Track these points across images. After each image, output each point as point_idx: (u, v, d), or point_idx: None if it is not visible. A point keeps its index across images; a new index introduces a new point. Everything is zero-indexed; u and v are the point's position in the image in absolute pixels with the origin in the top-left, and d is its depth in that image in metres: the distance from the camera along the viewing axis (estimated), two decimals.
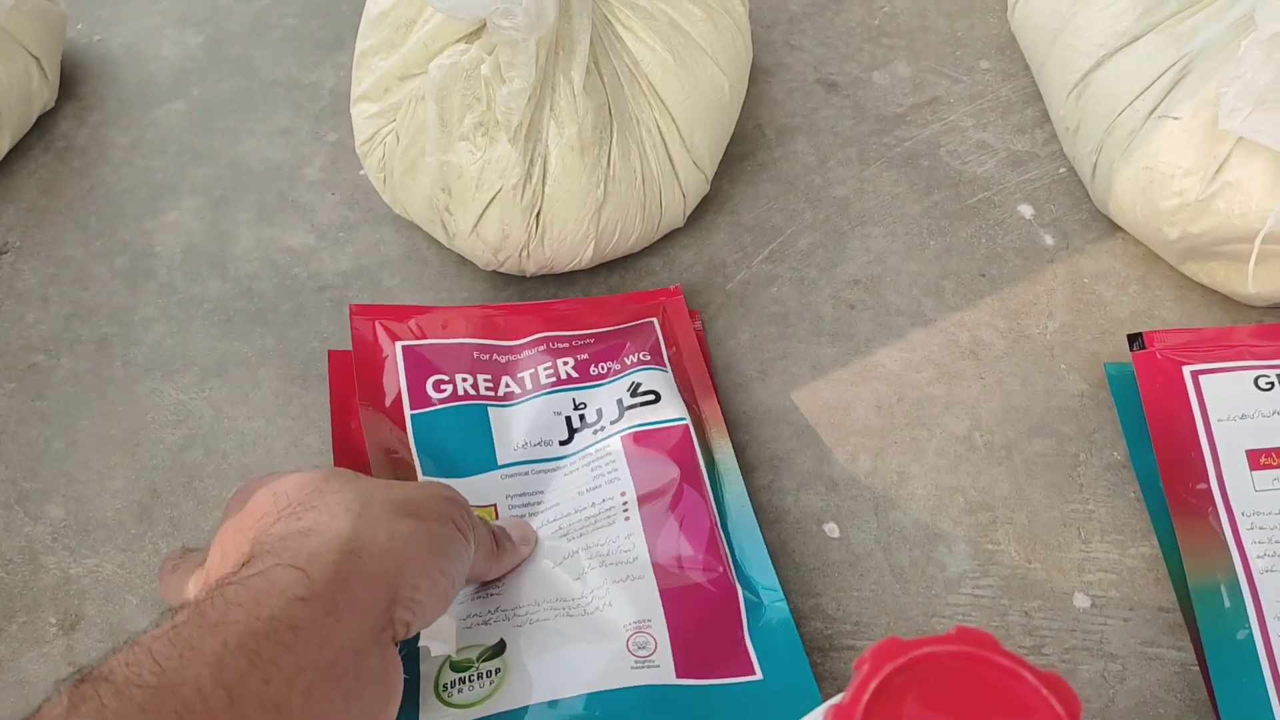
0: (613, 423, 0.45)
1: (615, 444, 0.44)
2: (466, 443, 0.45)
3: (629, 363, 0.47)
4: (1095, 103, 0.49)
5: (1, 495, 0.47)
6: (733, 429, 0.47)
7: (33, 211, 0.55)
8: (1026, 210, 0.53)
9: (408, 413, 0.45)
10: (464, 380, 0.46)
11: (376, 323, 0.47)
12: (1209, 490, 0.42)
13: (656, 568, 0.41)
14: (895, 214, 0.53)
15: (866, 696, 0.22)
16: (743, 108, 0.54)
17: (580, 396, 0.46)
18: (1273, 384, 0.44)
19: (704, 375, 0.47)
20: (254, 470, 0.47)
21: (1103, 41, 0.49)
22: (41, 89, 0.57)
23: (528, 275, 0.51)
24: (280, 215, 0.55)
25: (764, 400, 0.48)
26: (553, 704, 0.38)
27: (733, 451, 0.45)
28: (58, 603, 0.44)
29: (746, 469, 0.46)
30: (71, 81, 0.60)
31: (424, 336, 0.47)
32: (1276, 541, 0.40)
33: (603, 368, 0.47)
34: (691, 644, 0.39)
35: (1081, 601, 0.42)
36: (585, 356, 0.47)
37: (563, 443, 0.45)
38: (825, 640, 0.42)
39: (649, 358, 0.47)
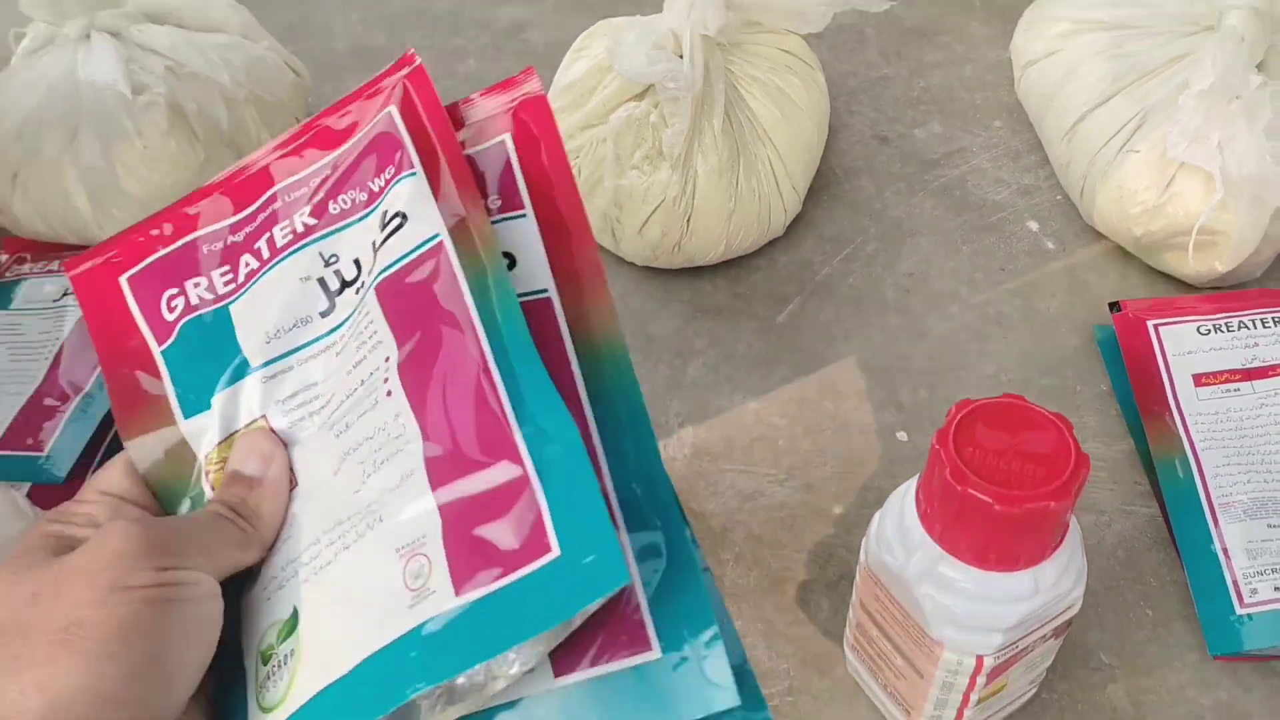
0: (369, 273, 0.35)
1: (370, 301, 0.34)
2: (213, 354, 0.36)
3: (375, 186, 0.36)
4: (1081, 144, 0.69)
5: None
6: (828, 373, 0.65)
7: None
8: (1033, 225, 0.73)
9: (156, 352, 0.37)
10: (196, 286, 0.37)
11: (88, 264, 0.38)
12: (1166, 402, 0.60)
13: (427, 451, 0.32)
14: (936, 229, 0.73)
15: (955, 423, 0.40)
16: (820, 155, 0.74)
17: (325, 247, 0.36)
18: (1210, 330, 0.62)
19: (461, 159, 0.35)
20: None
21: (1085, 101, 0.69)
22: None
23: (673, 268, 0.70)
24: None
25: (846, 353, 0.66)
26: (335, 686, 0.30)
27: (527, 232, 0.35)
28: None
29: (838, 399, 0.64)
30: None
31: (144, 257, 0.38)
32: (1213, 431, 0.58)
33: (345, 200, 0.36)
34: (469, 546, 0.31)
35: None
36: (321, 196, 0.36)
37: (324, 314, 0.36)
38: None
39: (393, 169, 0.35)
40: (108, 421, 0.58)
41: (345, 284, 0.36)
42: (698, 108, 0.64)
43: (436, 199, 0.34)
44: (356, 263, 0.35)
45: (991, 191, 0.75)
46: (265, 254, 0.36)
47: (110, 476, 0.35)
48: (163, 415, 0.36)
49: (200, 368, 0.36)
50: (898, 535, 0.43)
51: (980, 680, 0.44)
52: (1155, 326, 0.63)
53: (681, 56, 0.63)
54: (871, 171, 0.77)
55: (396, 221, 0.34)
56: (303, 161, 0.38)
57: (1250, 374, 0.60)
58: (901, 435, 0.62)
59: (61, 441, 0.56)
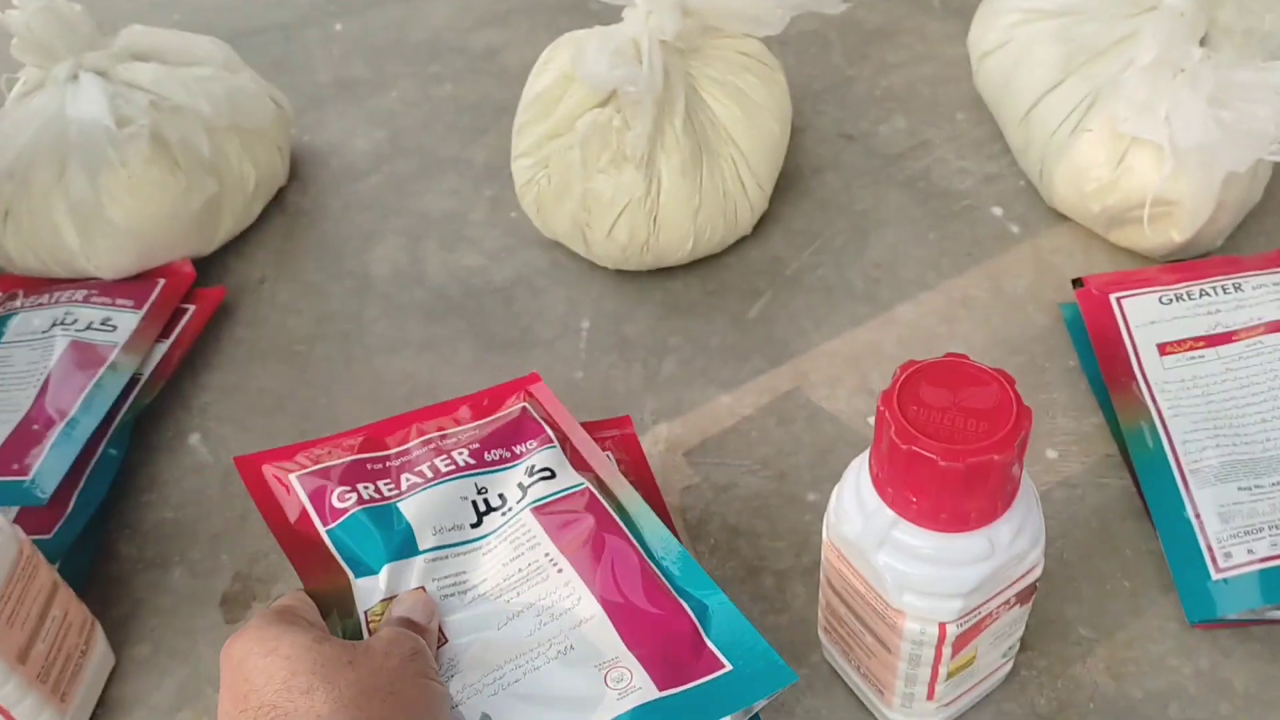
0: (518, 502, 0.48)
1: (526, 517, 0.47)
2: (387, 536, 0.47)
3: (520, 451, 0.51)
4: (1037, 128, 0.70)
5: (288, 434, 0.66)
6: (799, 363, 0.66)
7: (279, 254, 0.77)
8: (997, 210, 0.74)
9: (322, 529, 0.49)
10: (365, 488, 0.49)
11: (263, 467, 0.52)
12: (1132, 372, 0.61)
13: (605, 604, 0.44)
14: (903, 218, 0.74)
15: (899, 383, 0.41)
16: (787, 154, 0.76)
17: (481, 482, 0.49)
18: (1172, 300, 0.62)
19: (589, 443, 0.52)
20: None
21: (1037, 87, 0.70)
22: (281, 169, 0.79)
23: (644, 270, 0.71)
24: (458, 246, 0.76)
25: (818, 343, 0.67)
26: None
27: (638, 494, 0.49)
28: None
29: (810, 388, 0.65)
30: (296, 166, 0.83)
31: (313, 464, 0.51)
32: (1180, 398, 0.58)
33: (495, 454, 0.50)
34: (661, 661, 0.43)
35: (1051, 454, 0.60)
36: (477, 446, 0.51)
37: (473, 525, 0.48)
38: None
39: (536, 442, 0.51)
40: (92, 443, 0.60)
41: (491, 509, 0.49)
42: (659, 110, 0.66)
43: (572, 464, 0.50)
44: (502, 496, 0.49)
45: (955, 181, 0.76)
46: (429, 474, 0.50)
47: (301, 598, 0.45)
48: (334, 572, 0.48)
49: (368, 543, 0.47)
50: (855, 503, 0.44)
51: (946, 651, 0.44)
52: (1118, 299, 0.63)
53: (641, 62, 0.65)
54: (837, 168, 0.78)
55: (545, 473, 0.49)
56: (451, 421, 0.54)
57: (1214, 340, 0.60)
58: (873, 420, 0.63)
59: (46, 465, 0.58)
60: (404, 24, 0.95)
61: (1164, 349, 0.61)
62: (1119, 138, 0.64)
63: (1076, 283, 0.65)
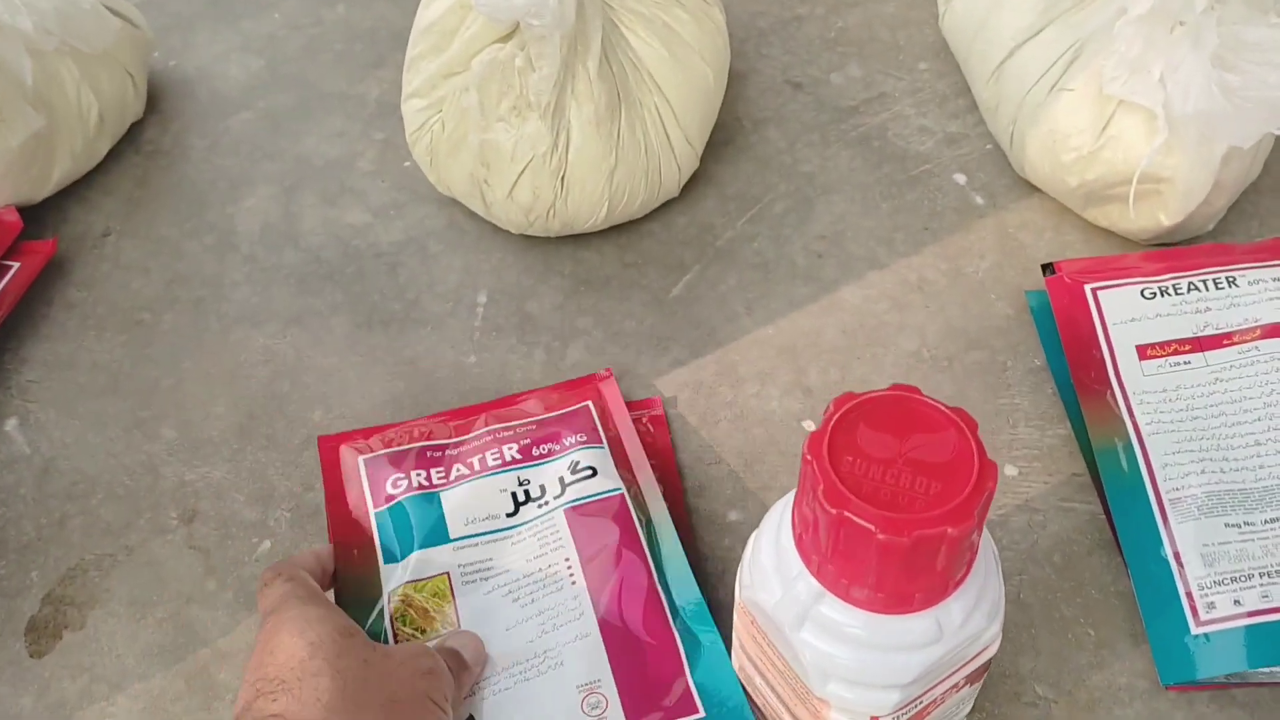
0: (555, 497, 0.49)
1: (559, 516, 0.49)
2: (422, 524, 0.49)
3: (568, 443, 0.51)
4: (1010, 84, 0.61)
5: (122, 422, 0.56)
6: (727, 353, 0.57)
7: (129, 201, 0.66)
8: (960, 178, 0.64)
9: (371, 513, 0.50)
10: (418, 475, 0.51)
11: (341, 446, 0.53)
12: (1107, 377, 0.52)
13: (602, 625, 0.45)
14: (853, 184, 0.65)
15: (831, 424, 0.32)
16: (723, 104, 0.66)
17: (525, 474, 0.51)
18: (1155, 294, 0.54)
19: (638, 448, 0.52)
20: (331, 398, 0.56)
21: (1012, 35, 0.60)
22: (134, 101, 0.68)
23: (552, 236, 0.61)
24: (340, 199, 0.65)
25: (749, 329, 0.58)
26: None
27: (668, 512, 0.49)
28: (176, 501, 0.53)
29: (737, 384, 0.56)
30: (155, 97, 0.71)
31: (383, 448, 0.53)
32: (1161, 412, 0.51)
33: (544, 449, 0.52)
34: (639, 694, 0.43)
35: (1011, 471, 0.52)
36: (528, 441, 0.52)
37: (509, 515, 0.50)
38: None
39: (585, 438, 0.52)
40: None
41: (530, 499, 0.50)
42: (570, 48, 0.55)
43: (615, 466, 0.51)
44: (542, 488, 0.50)
45: (915, 141, 0.66)
46: (477, 467, 0.51)
47: (322, 554, 0.47)
48: (368, 554, 0.49)
49: (404, 528, 0.49)
50: (773, 563, 0.35)
51: None
52: (1094, 290, 0.55)
53: None
54: (781, 121, 0.68)
55: (587, 472, 0.50)
56: (516, 411, 0.54)
57: (1201, 343, 0.52)
58: (808, 425, 0.54)
59: None
60: None
61: (1144, 351, 0.53)
62: (1104, 100, 0.55)
63: (1047, 268, 0.57)
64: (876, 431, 0.32)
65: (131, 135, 0.69)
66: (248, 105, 0.71)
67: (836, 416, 0.32)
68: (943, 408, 0.33)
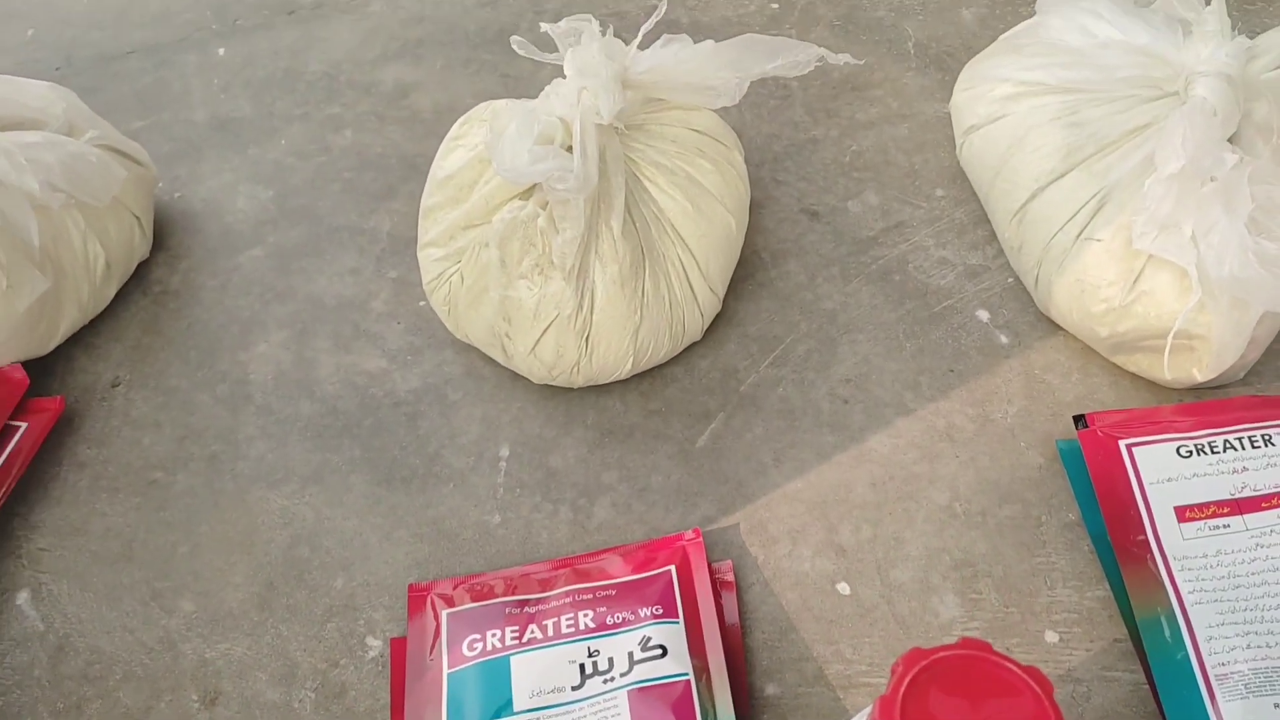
0: (622, 674, 0.49)
1: (621, 697, 0.48)
2: (489, 693, 0.49)
3: (643, 615, 0.51)
4: (1033, 227, 0.60)
5: (138, 594, 0.54)
6: (756, 509, 0.56)
7: (138, 348, 0.64)
8: (983, 315, 0.64)
9: (445, 673, 0.50)
10: (494, 635, 0.51)
11: (430, 595, 0.53)
12: (1146, 540, 0.52)
13: None
14: (875, 322, 0.64)
15: (903, 688, 0.31)
16: (744, 234, 0.65)
17: (596, 644, 0.50)
18: (1191, 452, 0.54)
19: (714, 628, 0.51)
20: (353, 563, 0.55)
21: (1035, 177, 0.60)
22: (141, 244, 0.66)
23: (575, 388, 0.60)
24: (355, 343, 0.64)
25: (779, 482, 0.57)
26: None
27: (731, 701, 0.48)
28: (197, 682, 0.52)
29: (768, 543, 0.55)
30: (161, 233, 0.70)
31: (469, 601, 0.53)
32: (1203, 579, 0.50)
33: (618, 617, 0.51)
34: None
35: (1051, 637, 0.51)
36: (604, 608, 0.51)
37: (574, 688, 0.49)
38: (844, 679, 0.50)
39: (661, 611, 0.51)
40: None
41: (597, 672, 0.49)
42: (593, 208, 0.55)
43: (688, 647, 0.50)
44: (611, 661, 0.49)
45: (935, 275, 0.66)
46: (550, 632, 0.51)
47: None
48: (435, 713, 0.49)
49: (474, 696, 0.49)
50: None
51: None
52: (1129, 446, 0.54)
53: (571, 149, 0.53)
54: (801, 254, 0.67)
55: (658, 651, 0.49)
56: (598, 569, 0.53)
57: (1240, 506, 0.52)
58: (843, 588, 0.53)
59: None
60: (297, 52, 0.82)
61: (1183, 513, 0.52)
62: (1134, 254, 0.55)
63: (1079, 420, 0.56)
64: (949, 695, 0.31)
65: (139, 275, 0.68)
66: (257, 241, 0.70)
67: (908, 679, 0.31)
68: (1015, 668, 0.32)
